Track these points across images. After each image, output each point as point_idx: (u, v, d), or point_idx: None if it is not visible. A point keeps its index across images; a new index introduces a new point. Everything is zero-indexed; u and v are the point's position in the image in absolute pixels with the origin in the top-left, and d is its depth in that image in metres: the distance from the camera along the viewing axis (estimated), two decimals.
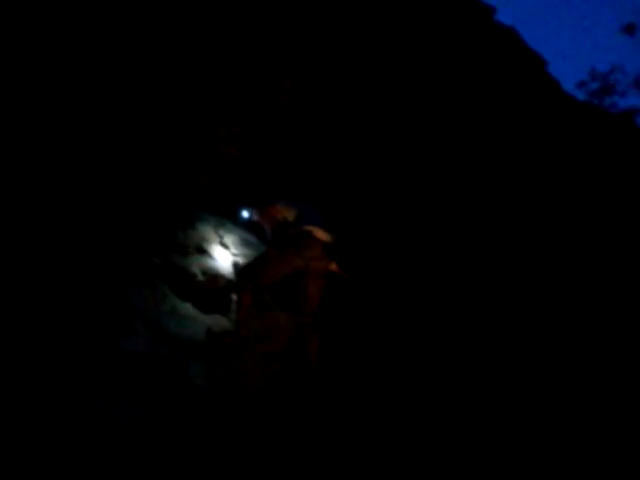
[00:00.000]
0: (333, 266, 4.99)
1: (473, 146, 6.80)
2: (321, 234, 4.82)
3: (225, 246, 5.53)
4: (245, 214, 5.33)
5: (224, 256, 5.44)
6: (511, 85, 7.16)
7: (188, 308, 5.12)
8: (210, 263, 5.31)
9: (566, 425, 5.32)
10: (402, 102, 6.53)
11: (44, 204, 4.62)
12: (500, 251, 6.59)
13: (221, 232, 5.66)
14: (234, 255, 5.51)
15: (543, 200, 6.88)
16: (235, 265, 5.43)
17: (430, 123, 6.53)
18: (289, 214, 4.98)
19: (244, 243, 5.81)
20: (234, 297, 5.14)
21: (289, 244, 4.79)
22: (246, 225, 5.75)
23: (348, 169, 6.54)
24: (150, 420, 4.57)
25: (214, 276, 5.23)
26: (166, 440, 4.61)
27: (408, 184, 6.76)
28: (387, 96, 6.43)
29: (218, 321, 5.11)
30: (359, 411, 5.21)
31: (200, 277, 5.18)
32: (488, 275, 6.40)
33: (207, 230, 5.61)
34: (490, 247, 6.62)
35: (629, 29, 32.88)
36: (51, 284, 4.61)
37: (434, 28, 6.25)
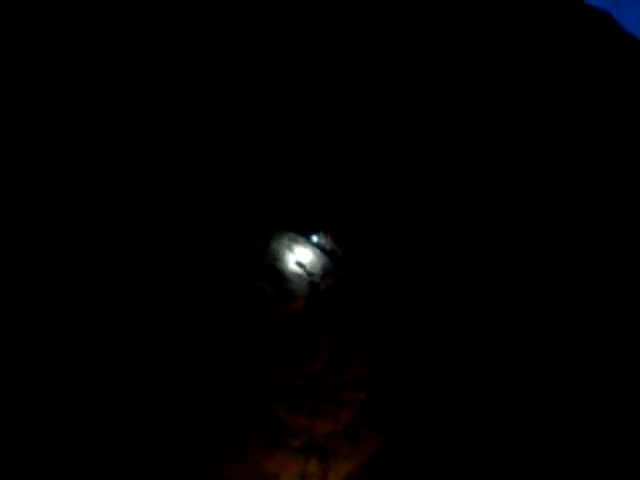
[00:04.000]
0: None
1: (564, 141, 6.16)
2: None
3: (300, 265, 5.24)
4: (315, 239, 5.37)
5: (299, 276, 5.15)
6: (607, 70, 6.42)
7: (264, 331, 4.89)
8: (285, 285, 5.04)
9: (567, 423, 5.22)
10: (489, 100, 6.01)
11: (135, 231, 4.62)
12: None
13: (296, 250, 5.37)
14: (310, 275, 5.21)
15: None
16: (311, 285, 5.12)
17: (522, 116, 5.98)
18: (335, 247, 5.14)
19: (319, 263, 5.49)
20: (311, 322, 4.85)
21: None
22: (319, 247, 5.53)
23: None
24: (215, 449, 4.44)
25: (290, 298, 4.96)
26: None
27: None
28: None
29: (295, 346, 4.84)
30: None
31: (275, 299, 4.93)
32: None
33: (281, 248, 5.34)
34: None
35: None
36: (131, 313, 4.57)
37: (521, 15, 5.68)
